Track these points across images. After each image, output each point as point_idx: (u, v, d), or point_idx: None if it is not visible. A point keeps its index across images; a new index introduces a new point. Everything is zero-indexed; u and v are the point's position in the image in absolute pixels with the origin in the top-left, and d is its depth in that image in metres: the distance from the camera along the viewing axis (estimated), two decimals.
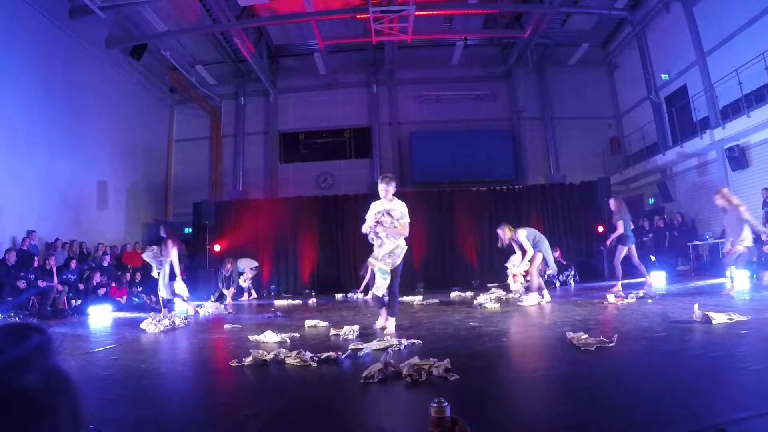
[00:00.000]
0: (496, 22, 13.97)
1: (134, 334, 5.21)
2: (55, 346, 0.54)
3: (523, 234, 6.57)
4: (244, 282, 10.09)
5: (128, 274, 10.17)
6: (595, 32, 14.62)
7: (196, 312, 7.33)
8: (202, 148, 15.84)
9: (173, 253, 7.21)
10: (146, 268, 11.70)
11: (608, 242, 7.83)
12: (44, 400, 0.50)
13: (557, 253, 9.58)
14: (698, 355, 2.99)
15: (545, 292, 6.56)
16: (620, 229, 7.42)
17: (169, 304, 7.39)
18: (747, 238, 5.70)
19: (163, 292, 7.24)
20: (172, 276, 7.27)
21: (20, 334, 0.53)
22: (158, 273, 7.27)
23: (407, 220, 4.73)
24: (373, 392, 2.54)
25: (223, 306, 8.05)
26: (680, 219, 11.72)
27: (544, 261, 6.71)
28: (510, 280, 6.88)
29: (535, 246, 6.55)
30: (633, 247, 7.58)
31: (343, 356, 3.38)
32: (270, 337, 4.28)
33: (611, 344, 3.21)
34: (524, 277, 6.74)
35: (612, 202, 7.89)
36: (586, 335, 3.42)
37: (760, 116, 9.32)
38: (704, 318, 3.87)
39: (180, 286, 7.34)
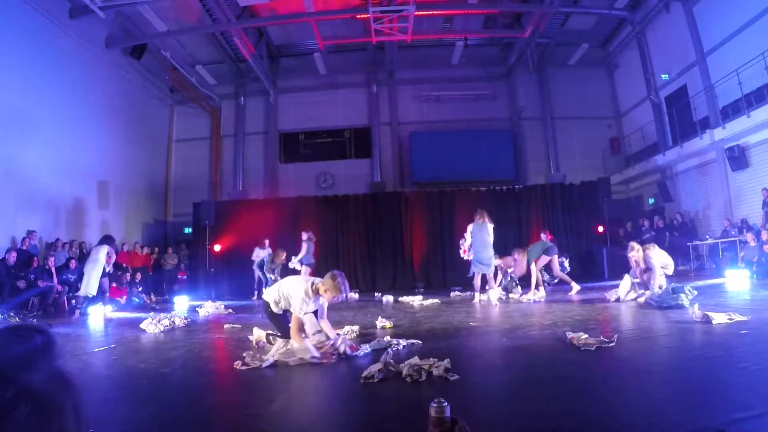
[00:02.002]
0: (496, 22, 13.96)
1: (134, 334, 5.21)
2: (57, 347, 0.55)
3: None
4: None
5: (128, 274, 10.16)
6: (595, 32, 14.61)
7: (196, 312, 7.33)
8: (202, 148, 15.84)
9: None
10: (145, 268, 11.77)
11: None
12: (50, 400, 0.50)
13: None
14: (698, 355, 2.99)
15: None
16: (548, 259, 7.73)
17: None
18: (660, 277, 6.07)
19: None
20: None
21: (23, 335, 0.54)
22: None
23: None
24: (373, 392, 2.54)
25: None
26: (680, 219, 11.72)
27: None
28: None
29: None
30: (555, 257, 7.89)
31: (343, 356, 3.38)
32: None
33: (611, 344, 3.21)
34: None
35: (513, 259, 7.93)
36: (586, 335, 3.42)
37: (760, 116, 9.32)
38: (704, 318, 3.87)
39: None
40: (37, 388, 0.49)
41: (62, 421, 0.50)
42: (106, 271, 7.75)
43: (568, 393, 2.36)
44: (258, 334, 4.18)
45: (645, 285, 6.09)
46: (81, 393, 0.55)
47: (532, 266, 7.60)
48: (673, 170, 13.01)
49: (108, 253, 7.66)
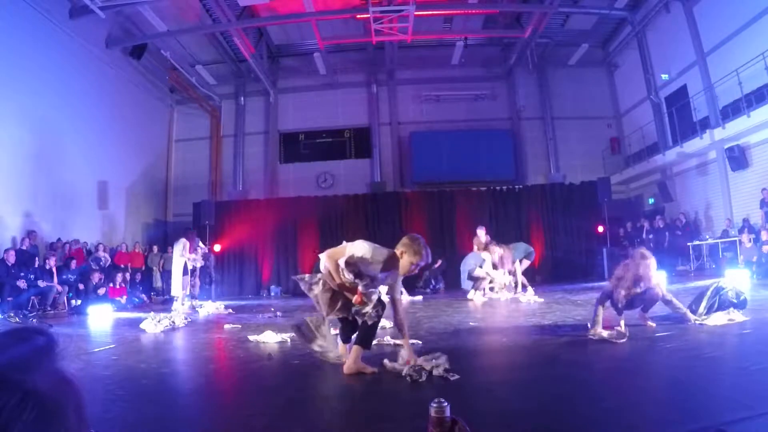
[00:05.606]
0: (496, 22, 13.96)
1: (134, 334, 5.21)
2: (59, 349, 0.54)
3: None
4: None
5: (127, 274, 10.15)
6: (595, 32, 14.61)
7: (196, 311, 7.34)
8: (202, 148, 15.83)
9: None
10: (149, 268, 11.76)
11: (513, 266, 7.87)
12: (54, 404, 0.50)
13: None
14: (698, 355, 2.99)
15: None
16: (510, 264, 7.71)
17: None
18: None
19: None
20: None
21: (24, 337, 0.53)
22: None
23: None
24: (373, 392, 2.54)
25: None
26: (683, 220, 11.66)
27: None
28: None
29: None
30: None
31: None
32: (270, 337, 4.28)
33: (627, 337, 3.41)
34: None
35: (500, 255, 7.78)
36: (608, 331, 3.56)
37: (760, 116, 9.32)
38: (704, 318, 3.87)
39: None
40: (42, 392, 0.49)
41: (66, 424, 0.50)
42: (192, 264, 7.85)
43: (568, 393, 2.36)
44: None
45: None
46: (83, 396, 0.55)
47: (516, 268, 7.73)
48: (673, 170, 13.00)
49: (183, 246, 7.73)
